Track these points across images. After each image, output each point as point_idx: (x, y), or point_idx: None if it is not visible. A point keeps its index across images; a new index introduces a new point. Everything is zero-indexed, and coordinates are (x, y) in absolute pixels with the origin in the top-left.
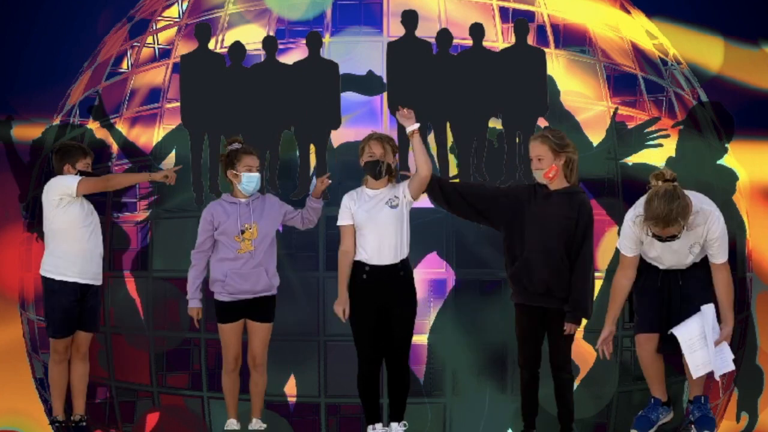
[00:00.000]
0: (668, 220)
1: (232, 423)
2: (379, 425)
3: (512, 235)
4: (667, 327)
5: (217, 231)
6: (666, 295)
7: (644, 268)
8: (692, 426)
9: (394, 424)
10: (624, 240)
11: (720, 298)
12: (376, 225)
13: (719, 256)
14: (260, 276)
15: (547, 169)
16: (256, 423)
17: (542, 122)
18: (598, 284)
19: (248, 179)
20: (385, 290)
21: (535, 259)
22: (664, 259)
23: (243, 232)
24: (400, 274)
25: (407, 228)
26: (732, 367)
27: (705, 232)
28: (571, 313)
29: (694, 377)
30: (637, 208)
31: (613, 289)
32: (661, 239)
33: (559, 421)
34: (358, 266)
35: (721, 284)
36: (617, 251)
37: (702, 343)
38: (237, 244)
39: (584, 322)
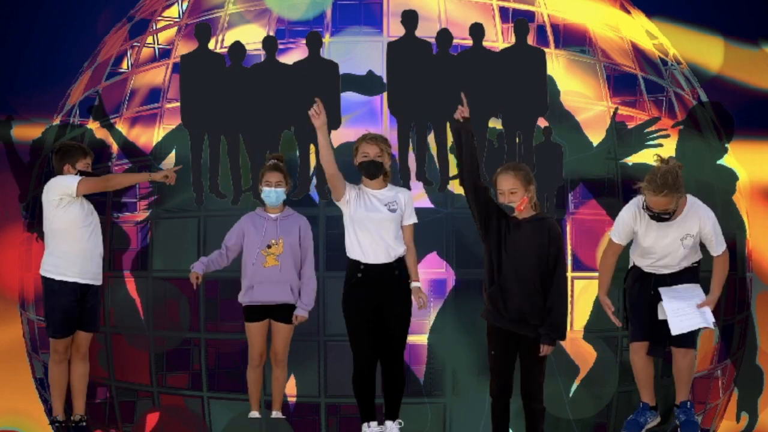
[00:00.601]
0: (664, 182)
1: (255, 413)
2: (373, 423)
3: (491, 257)
4: (657, 333)
5: (245, 242)
6: (656, 305)
7: (639, 277)
8: (678, 430)
9: (389, 422)
10: (617, 225)
11: (713, 276)
12: (373, 223)
13: (717, 247)
14: (284, 289)
15: (519, 201)
16: (276, 414)
17: (542, 122)
18: (597, 284)
19: (265, 194)
20: (380, 289)
21: (510, 288)
22: (657, 248)
23: (269, 246)
24: (395, 273)
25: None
26: (712, 323)
27: (698, 227)
28: (547, 335)
29: (674, 333)
30: (638, 199)
31: (600, 266)
32: (654, 217)
33: None
34: (353, 265)
35: (718, 266)
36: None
37: (687, 310)
38: (263, 257)
39: (584, 321)
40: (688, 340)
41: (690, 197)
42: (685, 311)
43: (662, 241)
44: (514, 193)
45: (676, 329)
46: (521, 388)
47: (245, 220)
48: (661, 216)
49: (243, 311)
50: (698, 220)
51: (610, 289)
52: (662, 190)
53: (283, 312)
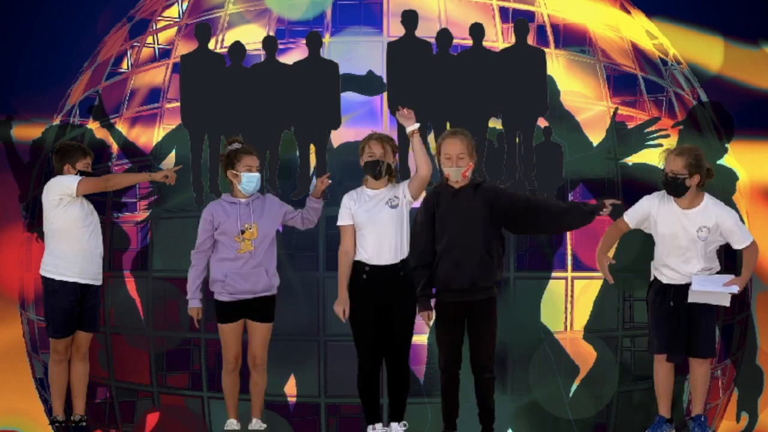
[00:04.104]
0: (683, 147)
1: (232, 423)
2: (379, 425)
3: (431, 235)
4: (679, 343)
5: (217, 231)
6: (676, 318)
7: (660, 290)
8: None
9: (394, 424)
10: (634, 207)
11: (744, 261)
12: (376, 225)
13: (744, 240)
14: (260, 276)
15: (466, 167)
16: (256, 423)
17: (542, 122)
18: (597, 284)
19: (248, 179)
20: (385, 290)
21: (460, 258)
22: (673, 234)
23: (243, 232)
24: (400, 274)
25: (407, 228)
26: (734, 291)
27: (714, 221)
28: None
29: (693, 289)
30: (663, 192)
31: (606, 234)
32: (667, 184)
33: (480, 422)
34: (358, 266)
35: (748, 253)
36: (617, 250)
37: (712, 282)
38: (237, 244)
39: (584, 321)
40: (707, 349)
41: (707, 195)
42: (711, 280)
43: (677, 227)
44: (462, 158)
45: (696, 287)
46: (471, 360)
47: (213, 211)
48: (676, 179)
49: (216, 311)
50: (715, 217)
51: (611, 287)
52: (680, 151)
53: (259, 310)
